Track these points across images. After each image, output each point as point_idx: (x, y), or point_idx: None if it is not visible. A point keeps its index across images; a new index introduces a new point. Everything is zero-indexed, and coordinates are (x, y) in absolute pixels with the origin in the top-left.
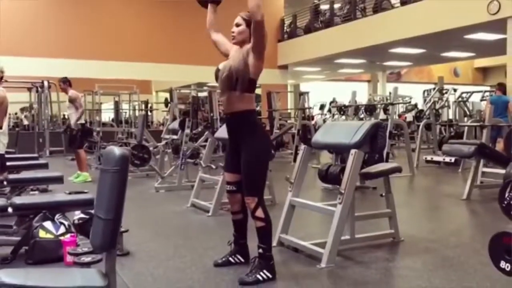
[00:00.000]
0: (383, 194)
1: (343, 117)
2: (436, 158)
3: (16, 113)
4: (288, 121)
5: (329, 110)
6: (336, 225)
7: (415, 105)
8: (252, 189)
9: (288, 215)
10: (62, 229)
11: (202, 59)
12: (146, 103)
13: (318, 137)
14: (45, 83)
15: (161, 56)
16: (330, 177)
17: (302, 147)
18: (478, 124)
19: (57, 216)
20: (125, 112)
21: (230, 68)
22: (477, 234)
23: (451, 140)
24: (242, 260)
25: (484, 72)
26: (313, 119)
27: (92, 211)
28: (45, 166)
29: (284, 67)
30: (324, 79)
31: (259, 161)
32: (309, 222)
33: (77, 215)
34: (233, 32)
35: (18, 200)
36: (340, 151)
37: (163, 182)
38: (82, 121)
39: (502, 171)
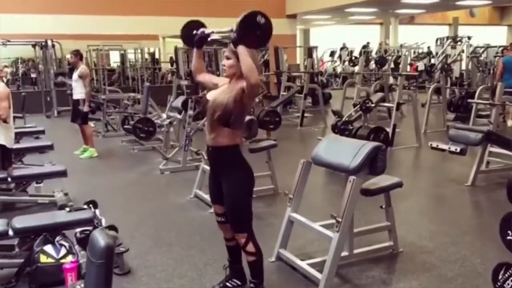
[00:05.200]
0: (383, 207)
1: (356, 68)
2: (441, 146)
3: (22, 61)
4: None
5: (339, 57)
6: (333, 254)
7: (428, 53)
8: (239, 225)
9: (287, 230)
10: (63, 251)
11: (213, 10)
12: (153, 56)
13: (321, 153)
14: (49, 42)
15: (169, 9)
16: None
17: (301, 161)
18: (488, 102)
19: (57, 238)
20: (132, 63)
21: (225, 107)
22: (477, 238)
23: (458, 125)
24: (239, 283)
25: (501, 11)
26: (323, 66)
27: (96, 222)
28: (41, 132)
29: (293, 16)
30: (334, 23)
31: (242, 196)
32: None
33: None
34: (223, 65)
35: (18, 223)
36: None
37: (168, 164)
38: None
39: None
